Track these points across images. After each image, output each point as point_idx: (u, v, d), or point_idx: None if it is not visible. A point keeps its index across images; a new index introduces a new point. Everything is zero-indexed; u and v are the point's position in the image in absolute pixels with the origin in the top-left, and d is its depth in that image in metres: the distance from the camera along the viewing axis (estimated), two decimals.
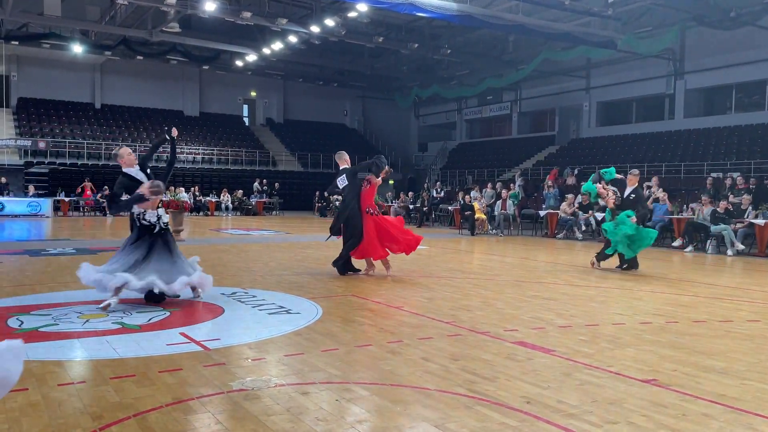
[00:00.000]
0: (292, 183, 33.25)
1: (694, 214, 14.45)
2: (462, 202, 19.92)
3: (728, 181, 17.02)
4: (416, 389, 3.90)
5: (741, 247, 13.17)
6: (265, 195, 28.91)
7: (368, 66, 31.90)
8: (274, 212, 28.71)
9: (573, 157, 27.95)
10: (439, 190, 25.77)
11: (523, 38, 26.55)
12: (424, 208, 23.11)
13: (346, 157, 9.32)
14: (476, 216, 18.72)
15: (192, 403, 3.60)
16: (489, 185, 22.51)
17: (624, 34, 22.34)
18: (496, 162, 32.26)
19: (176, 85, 35.33)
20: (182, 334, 5.26)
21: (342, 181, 8.97)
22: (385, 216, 9.44)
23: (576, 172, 23.97)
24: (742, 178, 16.78)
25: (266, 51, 27.68)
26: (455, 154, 37.83)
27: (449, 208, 22.37)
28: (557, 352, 4.88)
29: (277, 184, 29.57)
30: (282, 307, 6.47)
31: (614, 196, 9.88)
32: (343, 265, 8.97)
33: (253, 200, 28.35)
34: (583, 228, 17.38)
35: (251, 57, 29.40)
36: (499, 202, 19.77)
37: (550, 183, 21.37)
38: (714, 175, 18.51)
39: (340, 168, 9.20)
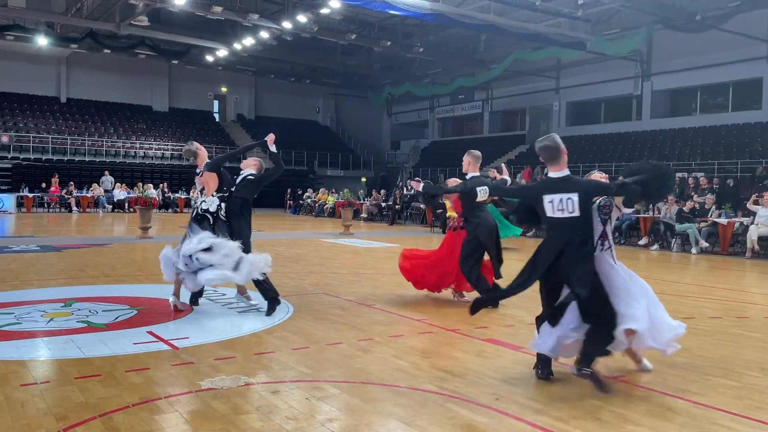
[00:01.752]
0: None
1: (660, 213, 14.74)
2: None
3: (692, 181, 17.41)
4: (387, 387, 3.91)
5: (705, 244, 13.50)
6: None
7: (341, 63, 31.79)
8: None
9: None
10: (409, 188, 25.82)
11: (494, 38, 26.74)
12: (396, 206, 23.15)
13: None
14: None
15: (159, 402, 3.55)
16: None
17: (593, 35, 22.66)
18: None
19: (145, 79, 34.70)
20: (150, 332, 5.18)
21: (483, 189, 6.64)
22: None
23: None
24: (706, 178, 17.18)
25: (237, 46, 27.36)
26: (427, 152, 37.95)
27: (421, 206, 22.43)
28: (526, 349, 4.93)
29: None
30: (252, 306, 6.41)
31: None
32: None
33: None
34: None
35: (222, 52, 29.04)
36: None
37: (523, 182, 21.57)
38: (679, 175, 18.89)
39: (469, 176, 6.89)
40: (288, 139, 36.49)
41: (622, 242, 15.46)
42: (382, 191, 26.51)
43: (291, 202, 28.97)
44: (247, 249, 5.97)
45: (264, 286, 5.95)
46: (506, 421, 3.35)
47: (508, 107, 34.30)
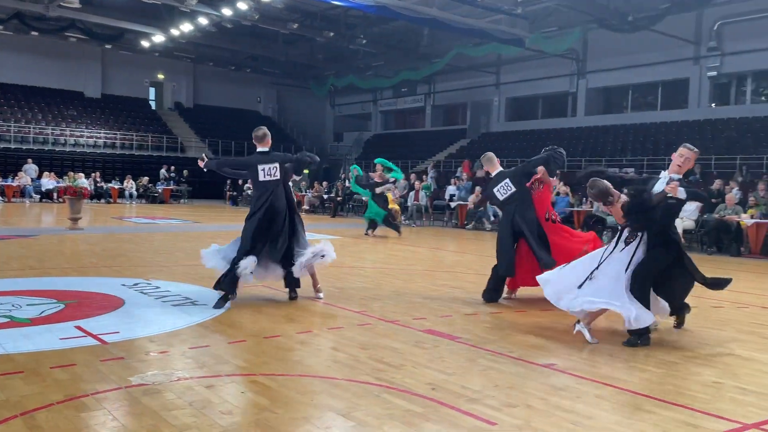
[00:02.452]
0: (202, 170, 32.03)
1: (593, 207, 15.26)
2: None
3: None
4: (324, 379, 3.89)
5: None
6: (172, 182, 27.82)
7: (283, 53, 31.34)
8: (182, 200, 27.71)
9: (483, 150, 28.36)
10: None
11: (437, 32, 26.97)
12: (338, 198, 23.08)
13: (497, 160, 7.00)
14: (389, 206, 18.89)
15: (86, 400, 3.42)
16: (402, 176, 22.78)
17: (531, 32, 23.19)
18: (410, 153, 32.67)
19: (76, 64, 33.17)
20: (78, 327, 4.97)
21: (506, 189, 6.62)
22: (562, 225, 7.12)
23: (480, 165, 24.69)
24: (635, 173, 17.89)
25: (175, 32, 26.56)
26: (370, 144, 37.98)
27: (363, 198, 22.43)
28: (463, 339, 5.01)
29: (185, 172, 28.52)
30: (188, 299, 6.26)
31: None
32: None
33: (160, 188, 27.22)
34: (492, 219, 17.96)
35: (158, 38, 28.12)
36: (412, 193, 20.06)
37: (464, 176, 21.92)
38: (611, 170, 19.63)
39: (494, 174, 6.87)
40: (228, 128, 35.78)
41: None
42: (325, 183, 26.36)
43: (231, 193, 28.40)
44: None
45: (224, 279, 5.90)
46: (441, 410, 3.39)
47: (449, 101, 34.70)
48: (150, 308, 5.82)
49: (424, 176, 23.21)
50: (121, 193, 26.48)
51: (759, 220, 12.29)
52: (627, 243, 5.14)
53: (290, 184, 6.58)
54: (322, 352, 4.52)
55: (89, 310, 5.63)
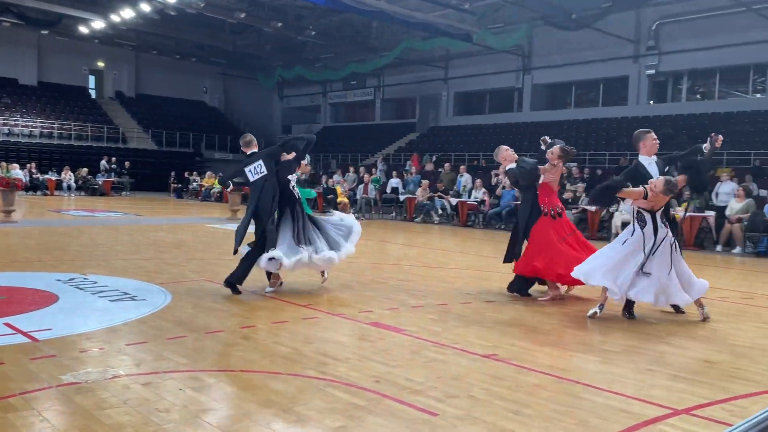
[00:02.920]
0: (145, 162, 31.24)
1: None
2: (325, 186, 19.93)
3: (565, 171, 18.57)
4: (266, 374, 3.83)
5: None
6: (113, 174, 26.91)
7: (230, 42, 30.71)
8: (123, 193, 26.84)
9: (432, 144, 28.99)
10: (299, 173, 25.56)
11: (386, 26, 26.94)
12: None
13: (511, 152, 6.98)
14: (339, 199, 18.84)
15: (13, 400, 3.26)
16: (352, 169, 22.71)
17: (479, 28, 23.46)
18: (360, 147, 32.61)
19: (10, 50, 31.57)
20: (7, 324, 4.75)
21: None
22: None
23: (434, 158, 24.90)
24: (578, 168, 18.38)
25: (115, 18, 25.63)
26: (319, 137, 37.44)
27: (312, 191, 22.27)
28: (408, 331, 5.03)
29: (127, 163, 27.64)
30: (126, 294, 6.06)
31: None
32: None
33: (100, 179, 26.28)
34: (440, 212, 18.13)
35: (98, 24, 27.08)
36: (361, 186, 20.03)
37: (413, 169, 22.02)
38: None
39: (508, 168, 6.80)
40: (172, 118, 34.86)
41: (502, 227, 16.21)
42: None
43: (175, 185, 27.70)
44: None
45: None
46: (384, 403, 3.39)
47: (399, 95, 34.78)
48: (86, 304, 5.61)
49: (373, 169, 23.20)
50: (58, 185, 25.46)
51: (692, 214, 12.81)
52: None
53: (292, 178, 6.58)
54: (265, 347, 4.45)
55: (20, 307, 5.38)
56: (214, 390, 3.53)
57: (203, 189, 25.40)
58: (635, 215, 5.74)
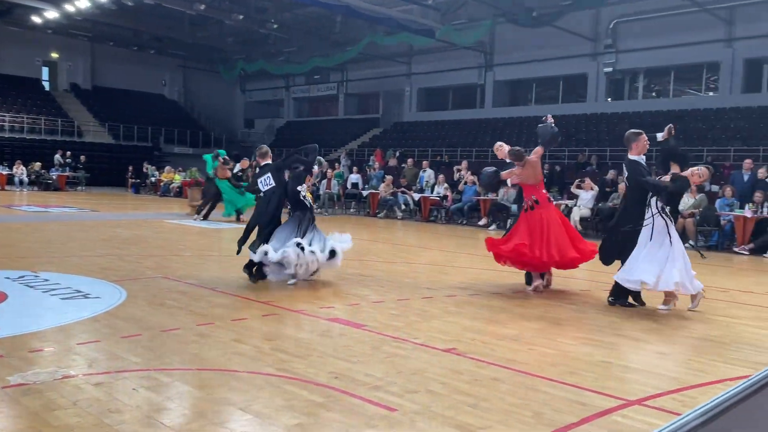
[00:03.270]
0: (102, 156, 30.43)
1: (497, 196, 15.75)
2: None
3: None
4: (223, 372, 3.77)
5: None
6: (68, 168, 26.14)
7: (189, 34, 30.11)
8: (79, 188, 26.10)
9: (395, 139, 29.02)
10: None
11: (349, 20, 26.82)
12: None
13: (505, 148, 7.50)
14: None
15: None
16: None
17: (442, 24, 23.56)
18: (323, 141, 32.35)
19: None
20: None
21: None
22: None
23: (398, 154, 24.93)
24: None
25: (70, 8, 24.88)
26: (283, 131, 37.35)
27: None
28: (369, 326, 5.03)
29: (83, 157, 26.86)
30: (79, 291, 5.89)
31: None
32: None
33: (54, 174, 25.50)
34: (403, 207, 18.17)
35: (52, 13, 26.24)
36: (324, 182, 19.90)
37: (376, 165, 21.99)
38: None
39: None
40: (130, 112, 34.05)
41: (464, 222, 16.35)
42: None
43: (133, 180, 27.06)
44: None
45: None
46: (342, 399, 3.38)
47: (363, 90, 34.70)
48: (36, 302, 5.43)
49: (336, 164, 23.07)
50: (9, 180, 24.60)
51: None
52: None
53: (301, 188, 6.97)
54: (223, 344, 4.38)
55: None
56: (169, 389, 3.46)
57: (162, 184, 24.88)
58: (660, 210, 5.92)
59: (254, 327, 4.92)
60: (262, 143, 30.53)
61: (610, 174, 15.66)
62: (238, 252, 6.98)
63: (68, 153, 26.78)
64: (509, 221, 15.05)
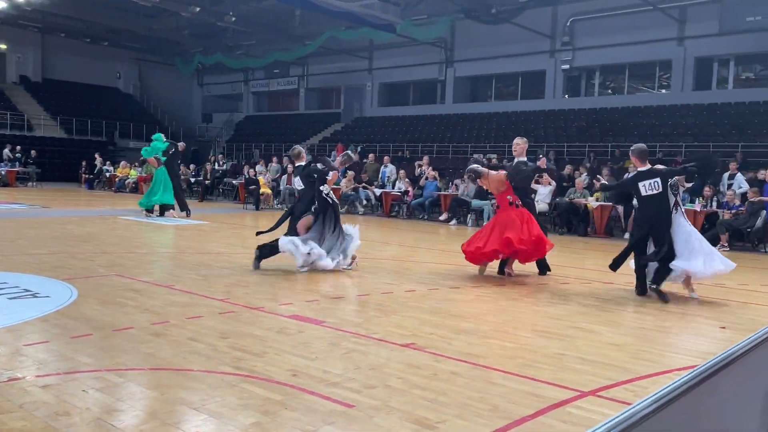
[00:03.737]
0: (54, 151, 29.49)
1: (458, 191, 15.89)
2: (247, 176, 19.51)
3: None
4: (178, 371, 3.70)
5: None
6: (18, 163, 25.25)
7: (144, 27, 29.37)
8: (29, 183, 25.25)
9: (357, 134, 28.96)
10: (221, 163, 24.90)
11: (309, 14, 26.58)
12: (207, 182, 22.19)
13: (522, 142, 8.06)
14: (261, 190, 18.50)
15: None
16: (275, 159, 22.34)
17: (402, 19, 23.57)
18: (284, 136, 32.15)
19: None
20: None
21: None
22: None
23: (359, 149, 24.88)
24: (497, 160, 18.87)
25: None
26: (242, 126, 36.86)
27: (234, 182, 21.77)
28: (328, 323, 5.00)
29: (33, 152, 25.99)
30: (27, 291, 5.69)
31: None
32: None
33: (3, 169, 24.60)
34: (364, 203, 18.16)
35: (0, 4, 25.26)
36: (284, 177, 19.73)
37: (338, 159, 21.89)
38: (476, 156, 20.55)
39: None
40: (83, 105, 33.09)
41: (425, 218, 16.44)
42: (192, 166, 25.19)
43: (86, 175, 26.31)
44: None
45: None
46: (300, 397, 3.35)
47: (323, 85, 34.50)
48: None
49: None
50: None
51: (603, 203, 13.44)
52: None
53: (323, 188, 7.69)
54: (178, 343, 4.29)
55: None
56: (121, 390, 3.37)
57: (117, 179, 24.26)
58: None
59: (210, 325, 4.84)
60: (221, 138, 29.88)
61: (567, 169, 15.97)
62: (261, 233, 7.83)
63: (18, 147, 25.86)
64: (469, 216, 15.21)
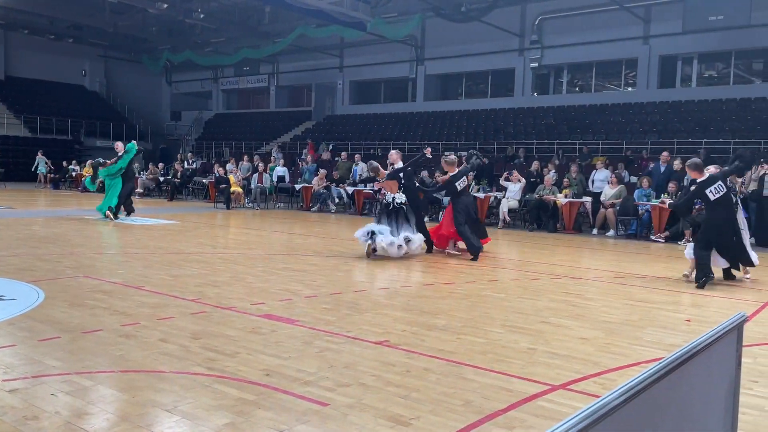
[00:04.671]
0: (17, 150, 28.79)
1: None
2: (217, 175, 19.29)
3: (455, 159, 19.14)
4: (149, 373, 3.66)
5: None
6: None
7: (111, 23, 28.81)
8: None
9: (328, 132, 28.86)
10: (190, 161, 24.58)
11: (279, 11, 26.42)
12: (176, 180, 21.89)
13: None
14: (232, 189, 18.32)
15: None
16: (245, 158, 22.14)
17: (372, 17, 23.56)
18: (254, 134, 31.89)
19: None
20: None
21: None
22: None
23: (331, 147, 24.81)
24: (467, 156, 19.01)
25: None
26: (211, 124, 36.45)
27: (204, 180, 21.51)
28: (301, 321, 4.99)
29: None
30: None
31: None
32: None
33: None
34: (336, 201, 18.12)
35: None
36: (255, 175, 19.58)
37: (309, 158, 21.80)
38: (447, 153, 20.65)
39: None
40: (48, 103, 32.35)
41: None
42: (161, 164, 24.83)
43: (52, 175, 25.74)
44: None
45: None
46: (274, 396, 3.34)
47: (294, 82, 34.31)
48: None
49: (272, 158, 22.69)
50: None
51: (572, 199, 13.65)
52: None
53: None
54: (148, 344, 4.24)
55: None
56: (91, 393, 3.32)
57: (83, 179, 23.77)
58: None
59: (182, 326, 4.79)
60: (190, 136, 29.53)
61: (535, 165, 16.16)
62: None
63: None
64: (441, 213, 15.29)
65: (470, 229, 9.13)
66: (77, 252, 8.36)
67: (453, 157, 9.76)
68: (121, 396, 3.30)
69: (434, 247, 9.69)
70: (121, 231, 11.31)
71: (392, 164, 10.13)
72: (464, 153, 10.84)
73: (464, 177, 9.58)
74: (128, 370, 3.71)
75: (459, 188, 9.39)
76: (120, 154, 13.37)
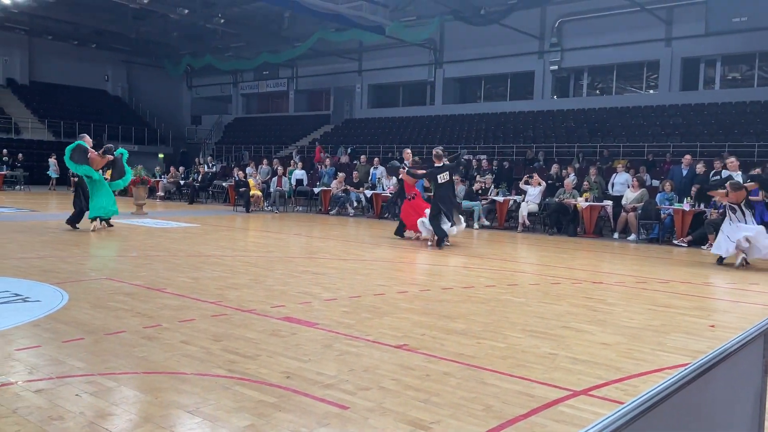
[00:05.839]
0: (41, 154, 29.29)
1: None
2: (237, 179, 19.46)
3: (475, 163, 19.10)
4: (171, 375, 3.69)
5: (486, 222, 14.93)
6: (5, 167, 25.06)
7: (133, 29, 29.23)
8: (17, 187, 25.07)
9: (347, 136, 28.96)
10: (211, 165, 24.82)
11: (299, 16, 26.57)
12: (197, 184, 22.11)
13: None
14: (251, 192, 18.46)
15: None
16: (265, 161, 22.30)
17: (392, 20, 23.62)
18: (273, 138, 32.11)
19: None
20: None
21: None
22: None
23: (349, 150, 24.88)
24: (487, 160, 18.95)
25: (5, 0, 23.79)
26: (231, 128, 36.77)
27: (224, 184, 21.71)
28: (320, 324, 5.01)
29: (20, 155, 25.82)
30: (18, 295, 5.66)
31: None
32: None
33: None
34: (355, 204, 18.16)
35: None
36: (275, 179, 19.70)
37: (327, 161, 21.89)
38: (466, 157, 20.61)
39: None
40: (71, 108, 32.89)
41: None
42: (182, 168, 25.11)
43: (75, 179, 26.10)
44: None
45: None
46: (294, 399, 3.36)
47: (313, 86, 34.49)
48: None
49: (292, 162, 22.80)
50: None
51: (592, 203, 13.53)
52: None
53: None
54: (170, 346, 4.29)
55: None
56: (114, 394, 3.36)
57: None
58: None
59: (203, 328, 4.83)
60: (210, 140, 29.85)
61: (554, 168, 16.06)
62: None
63: (5, 151, 25.68)
64: (461, 218, 15.25)
65: (444, 214, 10.43)
66: (100, 254, 8.49)
67: (439, 150, 10.86)
68: (143, 397, 3.34)
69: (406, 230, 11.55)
70: (142, 234, 11.45)
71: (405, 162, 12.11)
72: (467, 157, 12.15)
73: (447, 173, 10.47)
74: (150, 371, 3.75)
75: (439, 181, 10.39)
76: (110, 157, 12.20)
